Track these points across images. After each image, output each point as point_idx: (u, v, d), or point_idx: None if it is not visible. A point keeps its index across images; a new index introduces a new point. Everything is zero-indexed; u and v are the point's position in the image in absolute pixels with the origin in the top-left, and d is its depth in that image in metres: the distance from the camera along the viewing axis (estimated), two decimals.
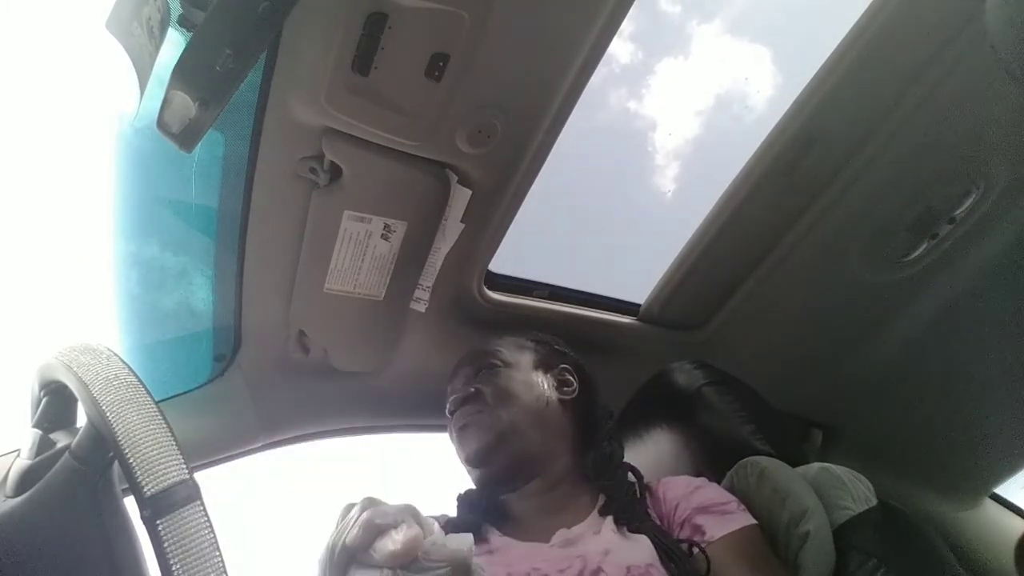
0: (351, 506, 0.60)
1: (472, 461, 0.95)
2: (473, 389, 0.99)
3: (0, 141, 0.97)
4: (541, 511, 0.93)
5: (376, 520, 0.56)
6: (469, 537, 0.60)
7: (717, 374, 1.14)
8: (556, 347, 1.09)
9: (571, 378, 1.04)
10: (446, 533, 0.88)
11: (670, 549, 0.80)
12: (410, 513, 0.58)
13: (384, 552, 0.54)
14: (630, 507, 0.88)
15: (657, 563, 0.79)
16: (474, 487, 1.01)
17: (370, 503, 0.59)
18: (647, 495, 0.93)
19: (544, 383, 1.01)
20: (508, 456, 0.93)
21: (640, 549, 0.81)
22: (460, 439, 0.98)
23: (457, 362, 1.08)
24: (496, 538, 0.91)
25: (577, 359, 1.08)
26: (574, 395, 1.02)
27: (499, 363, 1.02)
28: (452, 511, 1.01)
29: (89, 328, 1.08)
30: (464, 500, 1.00)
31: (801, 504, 0.88)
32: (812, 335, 1.39)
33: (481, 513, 0.96)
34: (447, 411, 1.02)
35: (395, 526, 0.56)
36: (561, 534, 0.86)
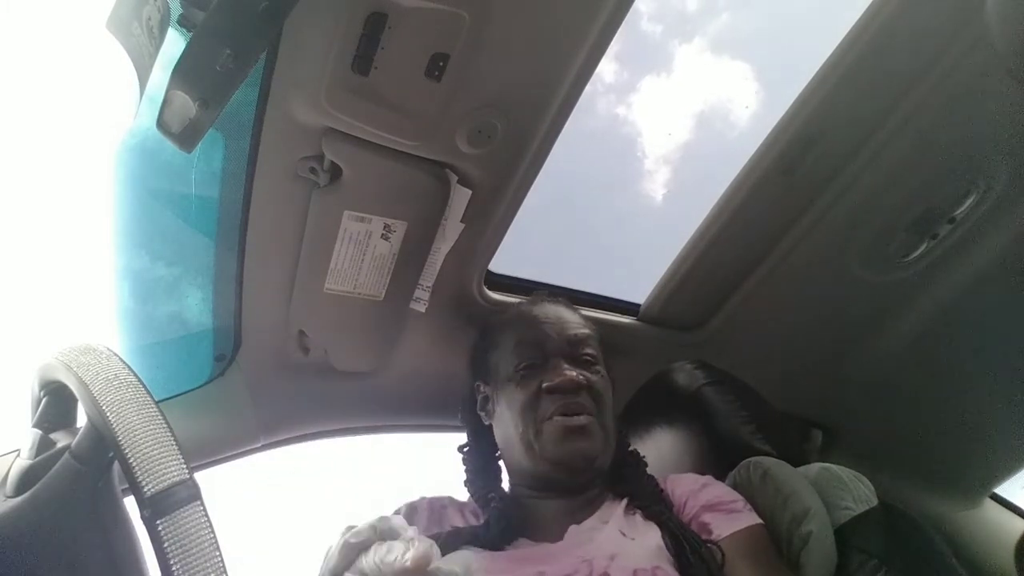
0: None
1: (574, 464, 0.89)
2: (582, 378, 0.92)
3: (0, 141, 0.97)
4: (562, 511, 0.92)
5: (351, 540, 0.57)
6: (469, 555, 0.60)
7: (717, 374, 1.14)
8: (601, 340, 1.04)
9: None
10: (478, 537, 0.87)
11: (685, 537, 0.80)
12: (412, 536, 0.58)
13: (393, 569, 0.54)
14: (647, 493, 0.89)
15: (664, 564, 0.79)
16: (502, 490, 0.98)
17: (348, 530, 0.59)
18: None
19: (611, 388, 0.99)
20: (598, 469, 0.92)
21: (647, 551, 0.81)
22: (569, 435, 0.89)
23: (543, 319, 0.99)
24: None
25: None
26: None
27: (594, 358, 0.97)
28: (456, 496, 1.01)
29: (89, 328, 1.08)
30: (498, 509, 0.91)
31: (803, 504, 0.88)
32: (812, 335, 1.39)
33: (511, 521, 0.90)
34: (545, 387, 0.91)
35: (371, 543, 0.56)
36: (572, 531, 0.86)
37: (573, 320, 1.02)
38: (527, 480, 0.95)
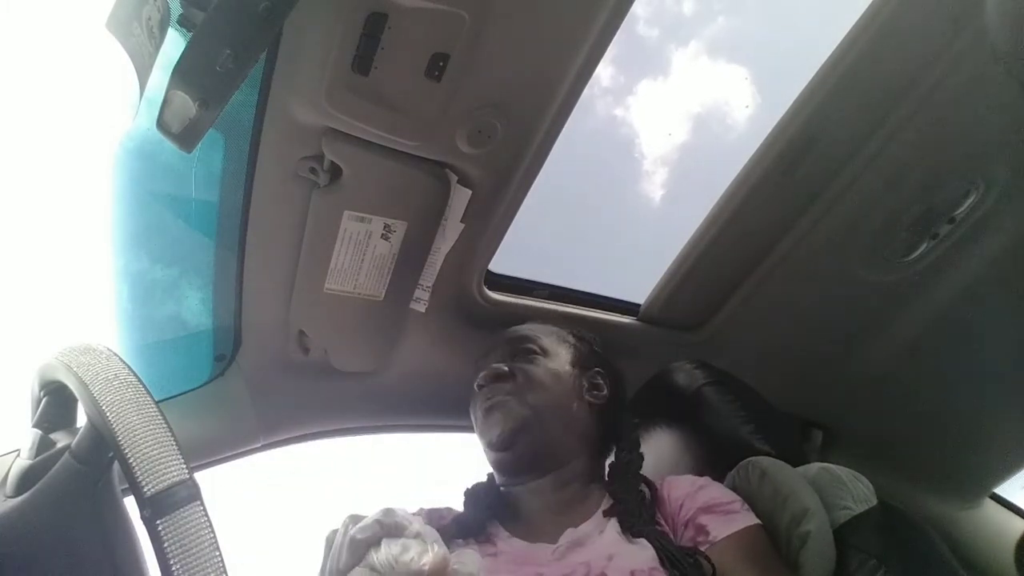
0: (335, 532, 0.60)
1: (494, 445, 0.94)
2: (507, 368, 0.98)
3: (1, 141, 0.97)
4: (550, 509, 0.92)
5: (358, 536, 0.56)
6: (475, 555, 0.60)
7: (717, 374, 1.14)
8: (595, 348, 1.08)
9: (603, 383, 1.03)
10: (453, 530, 0.88)
11: (673, 556, 0.80)
12: (419, 530, 0.58)
13: (410, 570, 0.54)
14: (636, 512, 0.87)
15: (660, 568, 0.78)
16: (483, 481, 1.01)
17: (353, 520, 0.59)
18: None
19: (576, 381, 1.01)
20: (529, 444, 0.93)
21: (644, 553, 0.81)
22: (485, 420, 0.96)
23: (492, 340, 1.07)
24: (503, 540, 0.90)
25: (614, 365, 1.08)
26: (603, 401, 1.01)
27: (537, 350, 1.02)
28: (455, 507, 1.00)
29: (89, 328, 1.08)
30: (472, 495, 0.99)
31: (802, 504, 0.88)
32: (812, 335, 1.39)
33: (488, 509, 0.95)
34: (475, 385, 1.00)
35: (378, 538, 0.56)
36: (569, 534, 0.86)
37: (529, 328, 1.07)
38: (498, 479, 0.99)
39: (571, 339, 1.07)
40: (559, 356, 1.02)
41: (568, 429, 0.96)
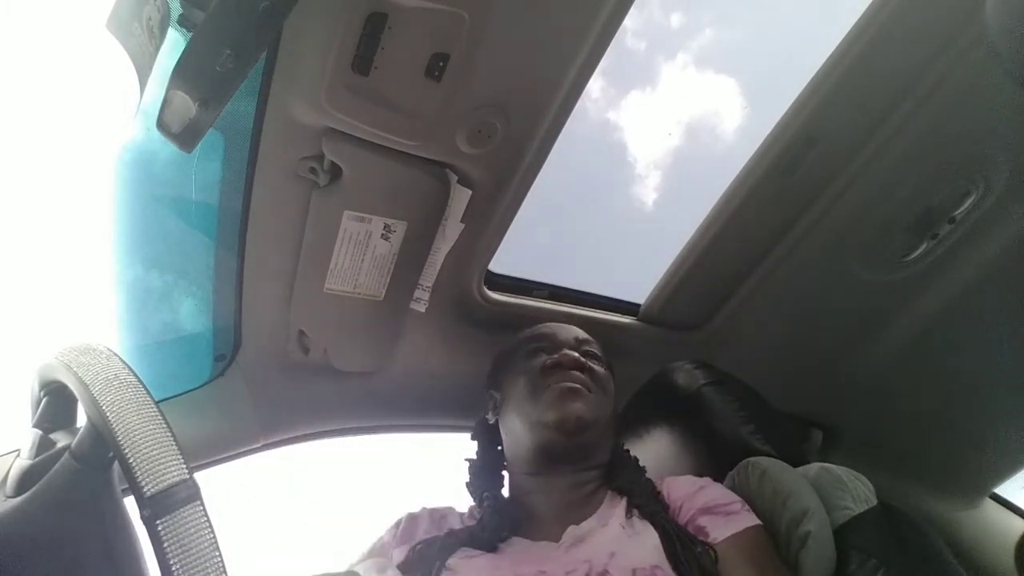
0: None
1: (566, 424, 0.92)
2: (589, 364, 0.99)
3: (1, 141, 0.97)
4: (557, 508, 0.92)
5: None
6: None
7: (717, 374, 1.14)
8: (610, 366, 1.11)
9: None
10: (465, 539, 0.87)
11: (679, 537, 0.80)
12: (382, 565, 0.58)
13: None
14: (645, 492, 0.90)
15: (663, 564, 0.78)
16: (500, 492, 1.01)
17: None
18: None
19: (611, 390, 1.04)
20: (593, 439, 0.95)
21: (645, 550, 0.81)
22: (562, 398, 0.94)
23: (550, 329, 1.07)
24: (504, 540, 0.90)
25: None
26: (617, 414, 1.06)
27: (600, 355, 1.05)
28: (456, 507, 1.01)
29: (89, 328, 1.08)
30: (492, 507, 0.94)
31: (802, 504, 0.88)
32: (812, 335, 1.39)
33: (509, 523, 0.91)
34: (550, 361, 0.98)
35: None
36: (572, 531, 0.87)
37: (581, 330, 1.10)
38: (526, 461, 0.97)
39: (601, 347, 1.10)
40: (607, 365, 1.06)
41: (607, 439, 1.01)
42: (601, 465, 0.98)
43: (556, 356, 0.98)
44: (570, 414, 0.92)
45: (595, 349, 1.06)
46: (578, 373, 0.97)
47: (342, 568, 0.75)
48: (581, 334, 1.08)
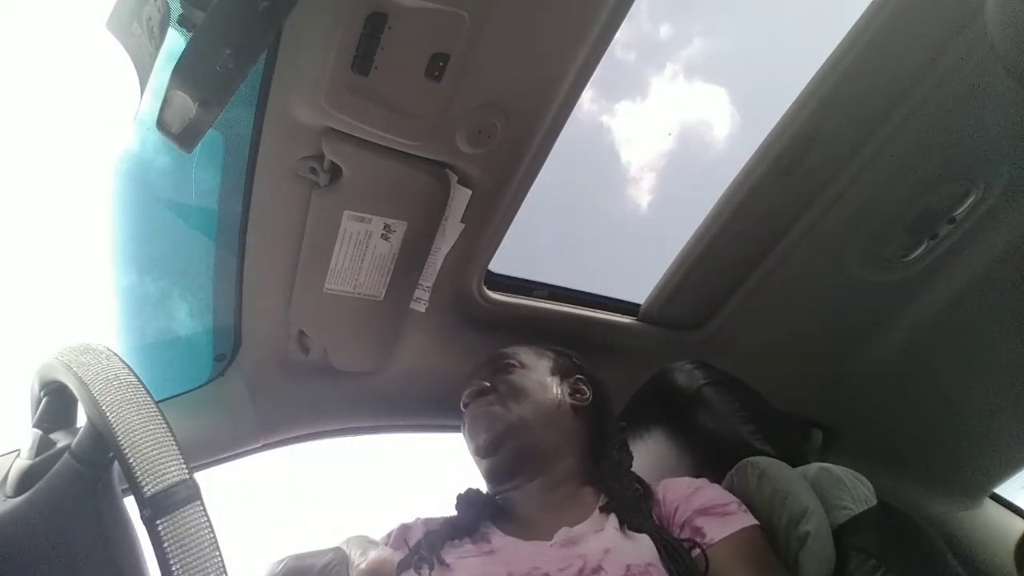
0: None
1: (480, 451, 0.97)
2: (488, 383, 1.01)
3: (1, 141, 0.97)
4: (543, 510, 0.93)
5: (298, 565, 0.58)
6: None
7: (717, 374, 1.14)
8: (574, 360, 1.11)
9: (585, 388, 1.05)
10: (446, 532, 0.90)
11: (671, 547, 0.80)
12: (367, 541, 0.59)
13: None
14: (633, 506, 0.88)
15: (657, 562, 0.79)
16: (476, 487, 1.02)
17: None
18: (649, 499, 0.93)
19: (558, 387, 1.03)
20: (515, 449, 0.95)
21: (641, 548, 0.81)
22: (471, 429, 0.99)
23: (476, 365, 1.10)
24: (498, 538, 0.91)
25: (594, 374, 1.10)
26: (587, 403, 1.03)
27: (516, 364, 1.04)
28: (452, 512, 1.01)
29: (89, 328, 1.08)
30: (464, 499, 1.01)
31: (801, 504, 0.88)
32: (812, 335, 1.39)
33: (481, 511, 0.97)
34: (461, 404, 1.03)
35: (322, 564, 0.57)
36: (563, 532, 0.86)
37: (508, 348, 1.10)
38: (488, 485, 1.00)
39: (550, 353, 1.10)
40: (539, 367, 1.05)
41: (553, 432, 0.98)
42: (563, 463, 0.97)
43: (463, 399, 1.03)
44: (478, 441, 0.97)
45: (511, 359, 1.05)
46: (479, 399, 1.00)
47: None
48: (495, 352, 1.08)
